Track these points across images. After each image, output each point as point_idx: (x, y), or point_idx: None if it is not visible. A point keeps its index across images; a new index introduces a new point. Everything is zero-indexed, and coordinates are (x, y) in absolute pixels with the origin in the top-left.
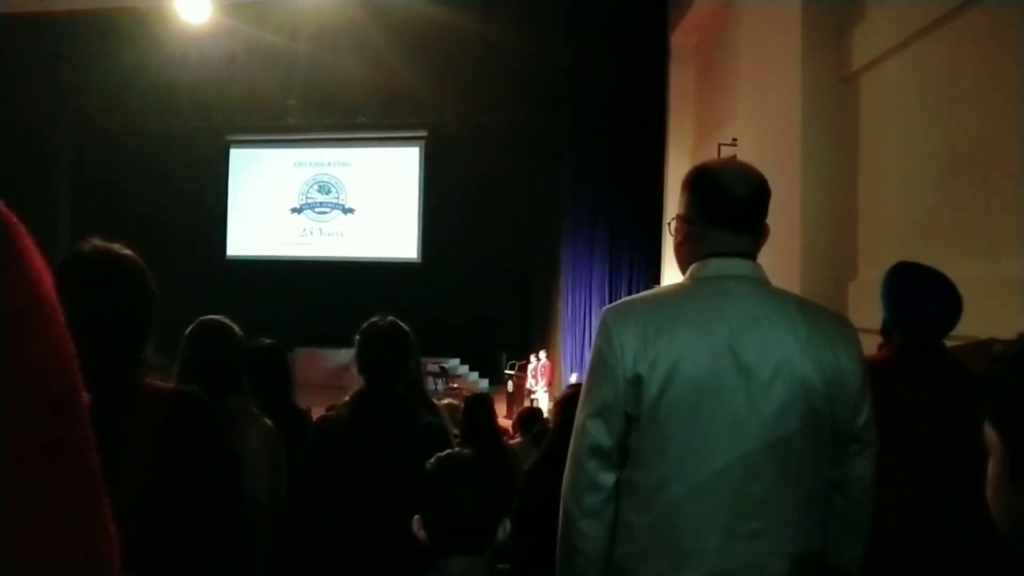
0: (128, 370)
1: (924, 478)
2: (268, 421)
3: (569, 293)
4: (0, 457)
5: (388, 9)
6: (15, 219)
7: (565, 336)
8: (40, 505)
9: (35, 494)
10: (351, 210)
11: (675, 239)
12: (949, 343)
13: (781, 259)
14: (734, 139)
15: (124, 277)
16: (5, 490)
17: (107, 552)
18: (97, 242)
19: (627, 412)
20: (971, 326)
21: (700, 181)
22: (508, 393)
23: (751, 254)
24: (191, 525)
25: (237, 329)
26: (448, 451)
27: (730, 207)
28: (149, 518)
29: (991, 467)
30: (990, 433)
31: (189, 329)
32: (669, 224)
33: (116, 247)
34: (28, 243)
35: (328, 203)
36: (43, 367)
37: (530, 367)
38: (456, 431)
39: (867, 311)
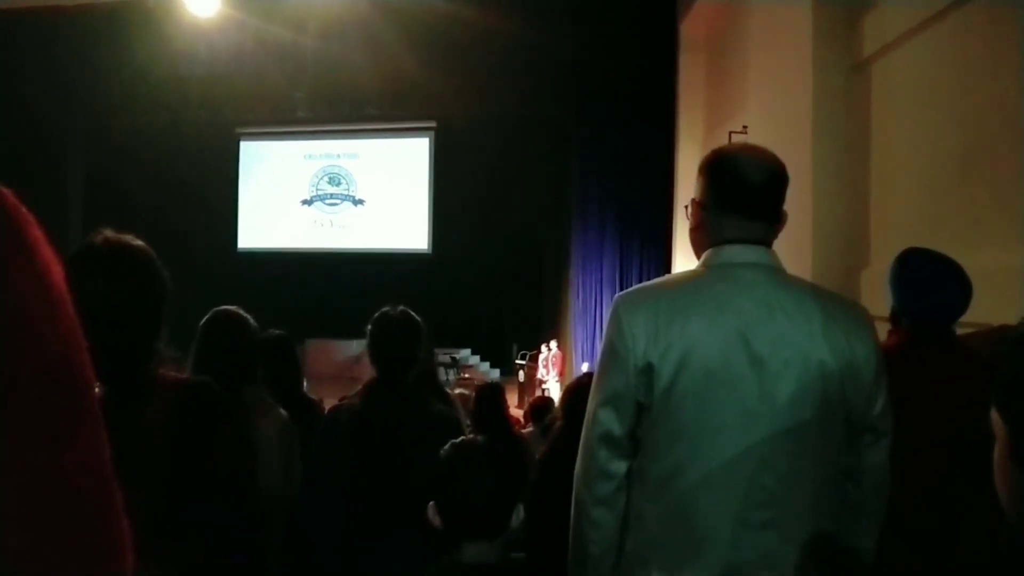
0: (142, 361)
1: (934, 466)
2: (283, 411)
3: (580, 282)
4: (9, 450)
5: (395, 0)
6: (23, 209)
7: (576, 325)
8: (50, 499)
9: (45, 487)
10: (361, 202)
11: (690, 224)
12: (960, 330)
13: (792, 247)
14: (744, 127)
15: (136, 268)
16: (14, 483)
17: (119, 546)
18: (109, 234)
19: (638, 401)
20: (983, 313)
21: (716, 166)
22: (519, 383)
23: (766, 241)
24: (205, 515)
25: (251, 320)
26: (462, 438)
27: (745, 194)
28: (164, 508)
29: (996, 450)
30: (995, 417)
31: (203, 320)
32: (686, 208)
33: (128, 238)
34: (36, 233)
35: (338, 195)
36: (51, 357)
37: (541, 357)
38: (468, 421)
39: (880, 300)
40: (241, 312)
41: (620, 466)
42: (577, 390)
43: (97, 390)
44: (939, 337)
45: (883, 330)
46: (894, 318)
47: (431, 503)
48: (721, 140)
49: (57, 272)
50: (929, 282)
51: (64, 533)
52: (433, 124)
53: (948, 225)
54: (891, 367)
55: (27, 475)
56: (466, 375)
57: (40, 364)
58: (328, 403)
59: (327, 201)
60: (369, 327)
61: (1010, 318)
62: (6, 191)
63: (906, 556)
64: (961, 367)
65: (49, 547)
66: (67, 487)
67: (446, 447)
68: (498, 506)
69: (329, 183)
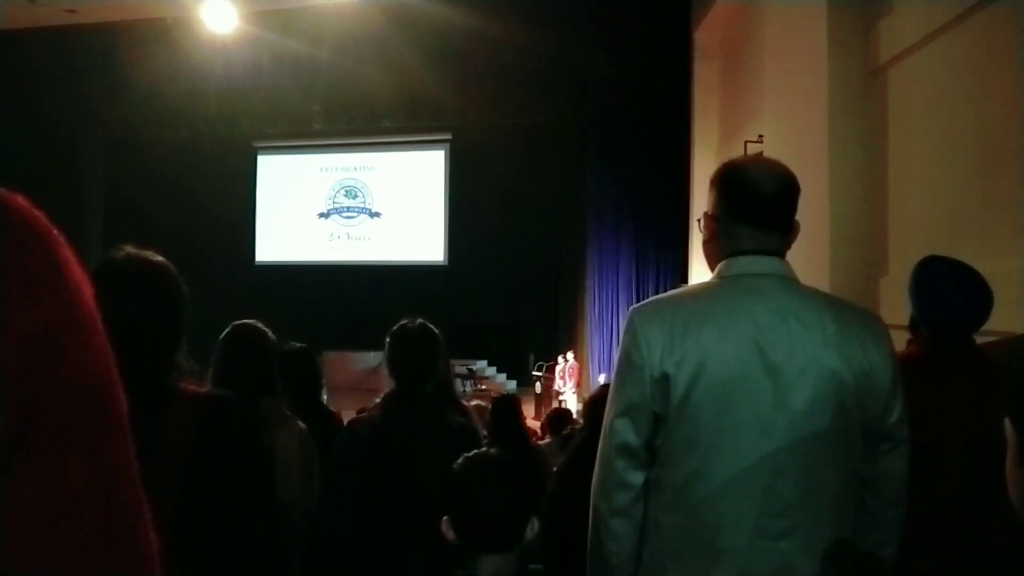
0: (162, 375)
1: (954, 473)
2: (301, 423)
3: (596, 293)
4: (42, 464)
5: (410, 14)
6: (53, 229)
7: (592, 337)
8: (81, 511)
9: (76, 500)
10: (378, 214)
11: (703, 237)
12: (981, 339)
13: (810, 255)
14: (760, 136)
15: (157, 283)
16: (47, 496)
17: (147, 556)
18: (130, 249)
19: (655, 411)
20: (1003, 320)
21: (727, 179)
22: (536, 394)
23: (779, 252)
24: (226, 527)
25: (270, 333)
26: (475, 452)
27: (757, 204)
28: (184, 522)
29: (1008, 456)
30: (1007, 423)
31: (223, 334)
32: (699, 221)
33: (148, 254)
34: (67, 253)
35: (355, 207)
36: (83, 376)
37: (558, 368)
38: (484, 432)
39: (898, 307)
40: (260, 325)
41: (637, 476)
42: (599, 399)
43: None
44: (959, 345)
45: (902, 338)
46: (913, 326)
47: (444, 517)
48: (737, 147)
49: (87, 291)
50: (948, 290)
51: (94, 543)
52: (448, 136)
53: (967, 231)
54: (910, 376)
55: (58, 487)
56: (482, 386)
57: (71, 381)
58: (345, 414)
59: (344, 214)
60: (388, 339)
61: None
62: (37, 212)
63: (926, 563)
64: (980, 376)
65: (79, 557)
66: (97, 497)
67: (459, 461)
68: (511, 519)
69: (346, 196)
